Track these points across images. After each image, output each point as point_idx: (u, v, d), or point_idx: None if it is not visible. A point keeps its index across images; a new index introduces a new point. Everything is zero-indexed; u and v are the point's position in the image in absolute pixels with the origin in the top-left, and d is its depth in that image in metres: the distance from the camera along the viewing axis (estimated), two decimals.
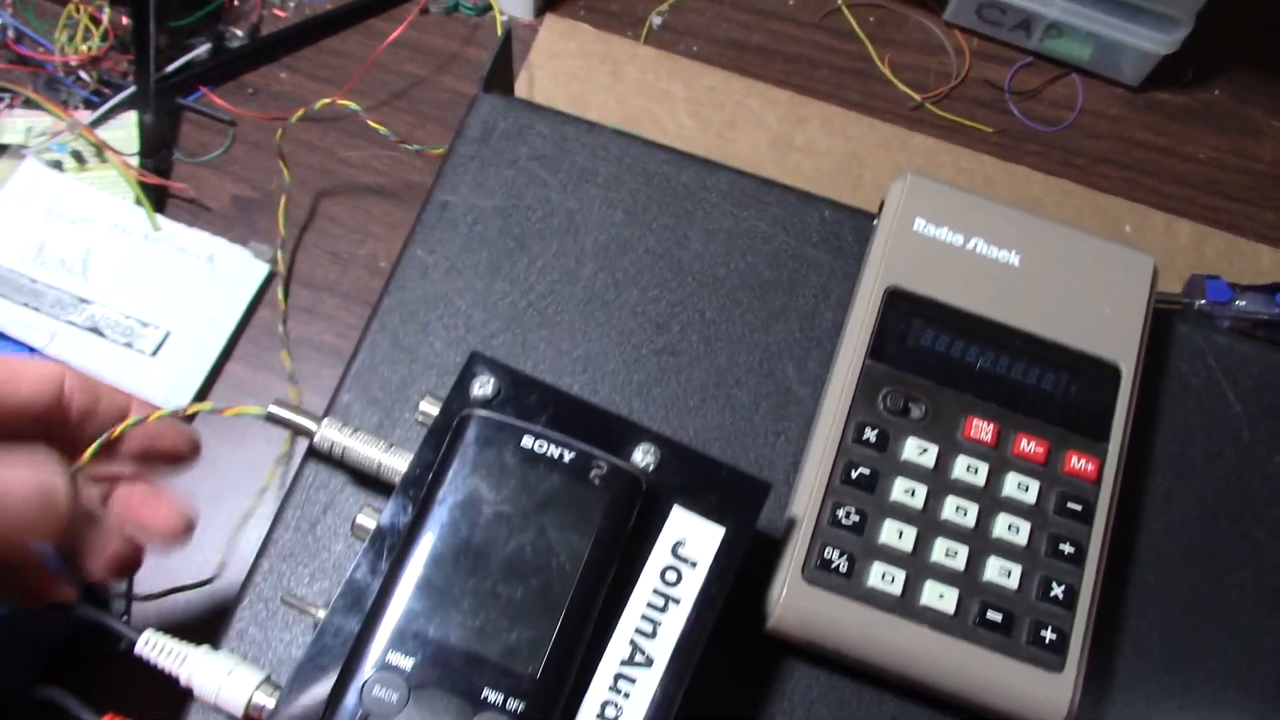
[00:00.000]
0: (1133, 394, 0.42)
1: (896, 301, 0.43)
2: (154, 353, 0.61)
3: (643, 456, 0.38)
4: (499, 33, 0.72)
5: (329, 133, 0.71)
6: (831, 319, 0.46)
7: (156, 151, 0.69)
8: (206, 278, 0.65)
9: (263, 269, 0.65)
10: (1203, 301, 0.68)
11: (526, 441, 0.36)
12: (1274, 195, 0.74)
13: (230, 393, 0.64)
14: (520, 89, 0.72)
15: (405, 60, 0.74)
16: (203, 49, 0.71)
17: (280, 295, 0.66)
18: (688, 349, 0.46)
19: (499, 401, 0.38)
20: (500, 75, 0.51)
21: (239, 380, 0.65)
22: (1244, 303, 0.68)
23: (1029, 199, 0.72)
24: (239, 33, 0.73)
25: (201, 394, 0.63)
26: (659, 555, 0.36)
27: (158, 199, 0.68)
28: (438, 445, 0.37)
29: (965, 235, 0.44)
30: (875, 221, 0.46)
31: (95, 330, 0.61)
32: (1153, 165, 0.75)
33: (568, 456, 0.36)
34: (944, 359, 0.42)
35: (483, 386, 0.38)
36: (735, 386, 0.45)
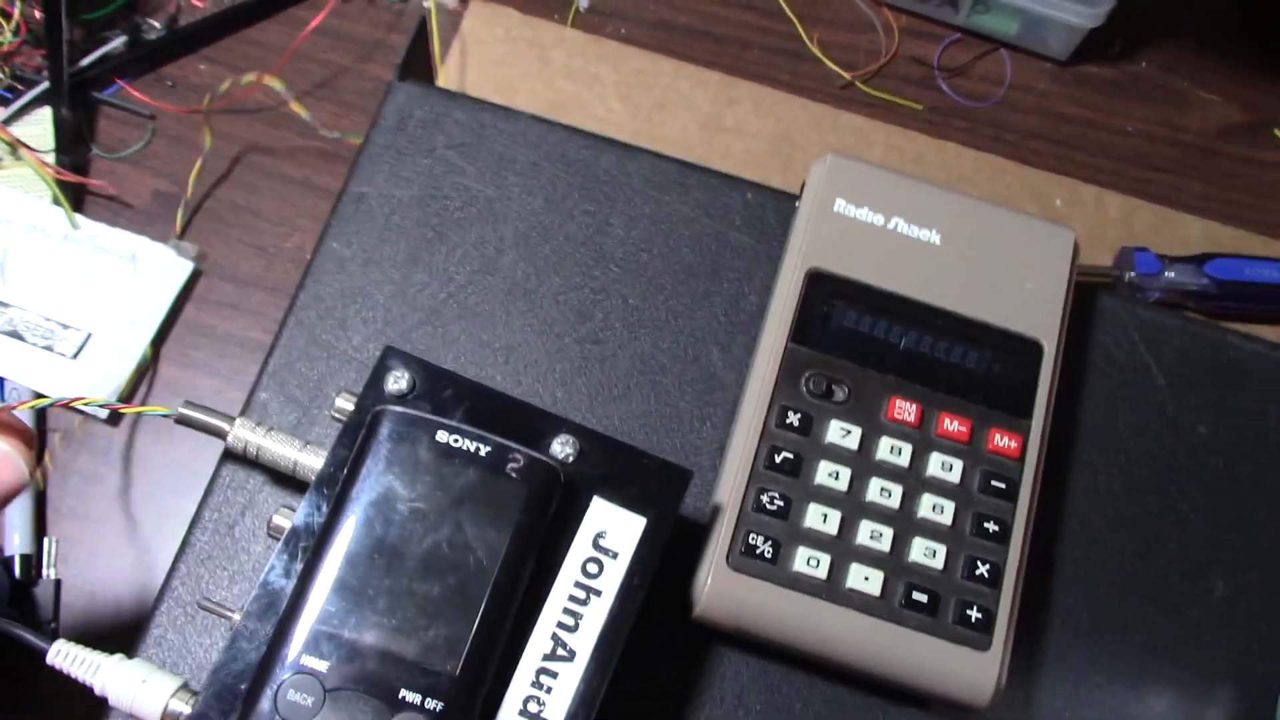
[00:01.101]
0: (1055, 370, 0.42)
1: (818, 283, 0.43)
2: (75, 355, 0.59)
3: (561, 448, 0.37)
4: (433, 12, 0.70)
5: (252, 124, 0.70)
6: (756, 302, 0.46)
7: (73, 148, 0.67)
8: (129, 277, 0.63)
9: (186, 267, 0.64)
10: (1132, 274, 0.68)
11: (441, 436, 0.35)
12: (1201, 166, 0.75)
13: (160, 393, 0.63)
14: (448, 77, 0.71)
15: (327, 48, 0.72)
16: (118, 41, 0.69)
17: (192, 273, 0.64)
18: (611, 337, 0.45)
19: (414, 396, 0.37)
20: (417, 63, 0.50)
21: (168, 380, 0.63)
22: (1173, 274, 0.69)
23: (959, 176, 0.72)
24: (156, 24, 0.71)
25: (127, 395, 0.61)
26: (580, 547, 0.36)
27: (76, 197, 0.66)
28: (352, 442, 0.36)
29: (885, 215, 0.44)
30: (797, 204, 0.46)
31: (14, 334, 0.60)
32: (1082, 139, 0.75)
33: (483, 450, 0.35)
34: (866, 340, 0.42)
35: (397, 381, 0.37)
36: (660, 373, 0.44)
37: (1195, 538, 0.44)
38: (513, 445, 0.35)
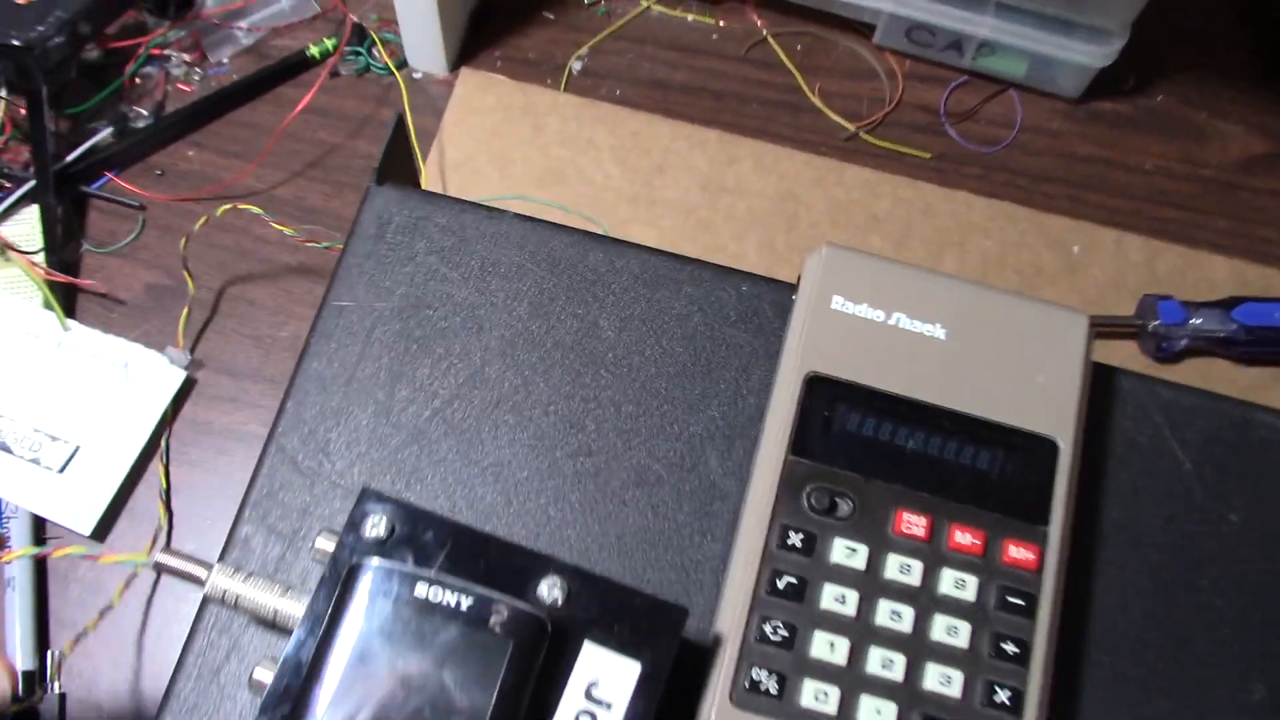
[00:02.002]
0: (1073, 470, 0.40)
1: (817, 389, 0.41)
2: (62, 469, 0.58)
3: (549, 590, 0.35)
4: (403, 95, 0.69)
5: (243, 212, 0.69)
6: (755, 403, 0.44)
7: (63, 245, 0.67)
8: (120, 386, 0.62)
9: (178, 376, 0.63)
10: (1157, 323, 0.66)
11: (420, 590, 0.34)
12: (1224, 201, 0.73)
13: (153, 495, 0.62)
14: (437, 148, 0.70)
15: (317, 127, 0.71)
16: (105, 132, 0.69)
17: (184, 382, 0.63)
18: (604, 448, 0.43)
19: (393, 542, 0.35)
20: (395, 163, 0.49)
21: (161, 483, 0.62)
22: (1199, 321, 0.66)
23: (971, 226, 0.70)
24: (143, 111, 0.70)
25: (117, 502, 0.60)
26: (571, 699, 0.34)
27: (67, 297, 0.65)
28: (330, 595, 0.35)
29: (886, 310, 0.42)
30: (794, 296, 0.44)
31: (2, 446, 0.59)
32: (1097, 179, 0.73)
33: (465, 603, 0.33)
34: (870, 447, 0.40)
35: (374, 527, 0.36)
36: (656, 485, 0.43)
37: (1231, 636, 0.42)
38: (496, 596, 0.34)
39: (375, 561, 0.34)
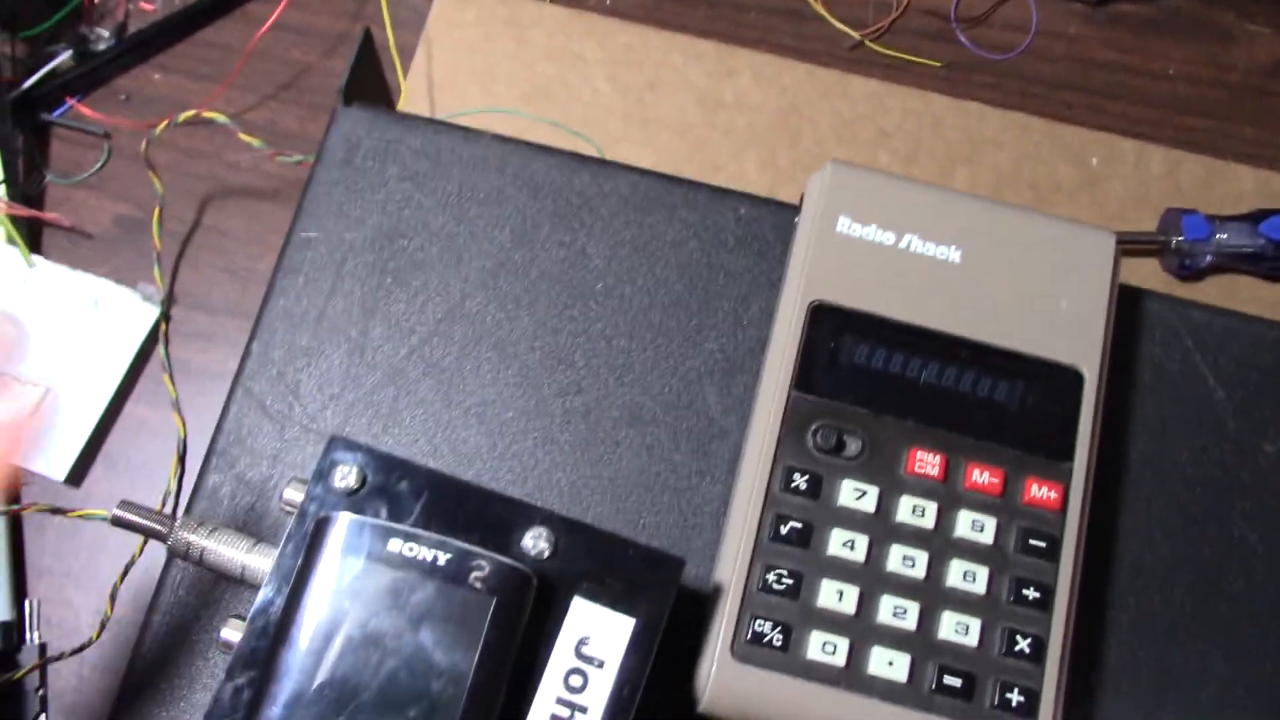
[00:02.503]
0: (1098, 401, 0.37)
1: (822, 319, 0.38)
2: (32, 413, 0.56)
3: (534, 542, 0.33)
4: (383, 8, 0.65)
5: (214, 135, 0.65)
6: (755, 334, 0.41)
7: (25, 177, 0.63)
8: (90, 325, 0.59)
9: (152, 313, 0.60)
10: (1180, 238, 0.62)
11: (394, 545, 0.31)
12: (1251, 108, 0.69)
13: (132, 437, 0.59)
14: (418, 68, 0.66)
15: (289, 45, 0.67)
16: (64, 56, 0.65)
17: (160, 320, 0.60)
18: (595, 385, 0.40)
19: (365, 493, 0.33)
20: (364, 82, 0.45)
21: (140, 421, 0.60)
22: (1225, 235, 0.63)
23: (984, 139, 0.66)
24: (105, 33, 0.66)
25: (91, 447, 0.58)
26: (560, 658, 0.32)
27: (31, 232, 0.62)
28: (298, 551, 0.32)
29: (896, 232, 0.39)
30: (796, 220, 0.41)
31: None
32: (1118, 87, 0.69)
33: (443, 559, 0.31)
34: (880, 381, 0.37)
35: (344, 477, 0.33)
36: (651, 424, 0.40)
37: (1265, 573, 0.39)
38: (476, 550, 0.31)
39: (345, 515, 0.32)
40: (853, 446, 0.36)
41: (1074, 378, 0.38)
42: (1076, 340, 0.38)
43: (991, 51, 0.68)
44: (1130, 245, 0.63)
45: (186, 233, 0.63)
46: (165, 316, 0.61)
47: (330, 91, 0.66)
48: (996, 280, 0.38)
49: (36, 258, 0.61)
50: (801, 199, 0.41)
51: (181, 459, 0.58)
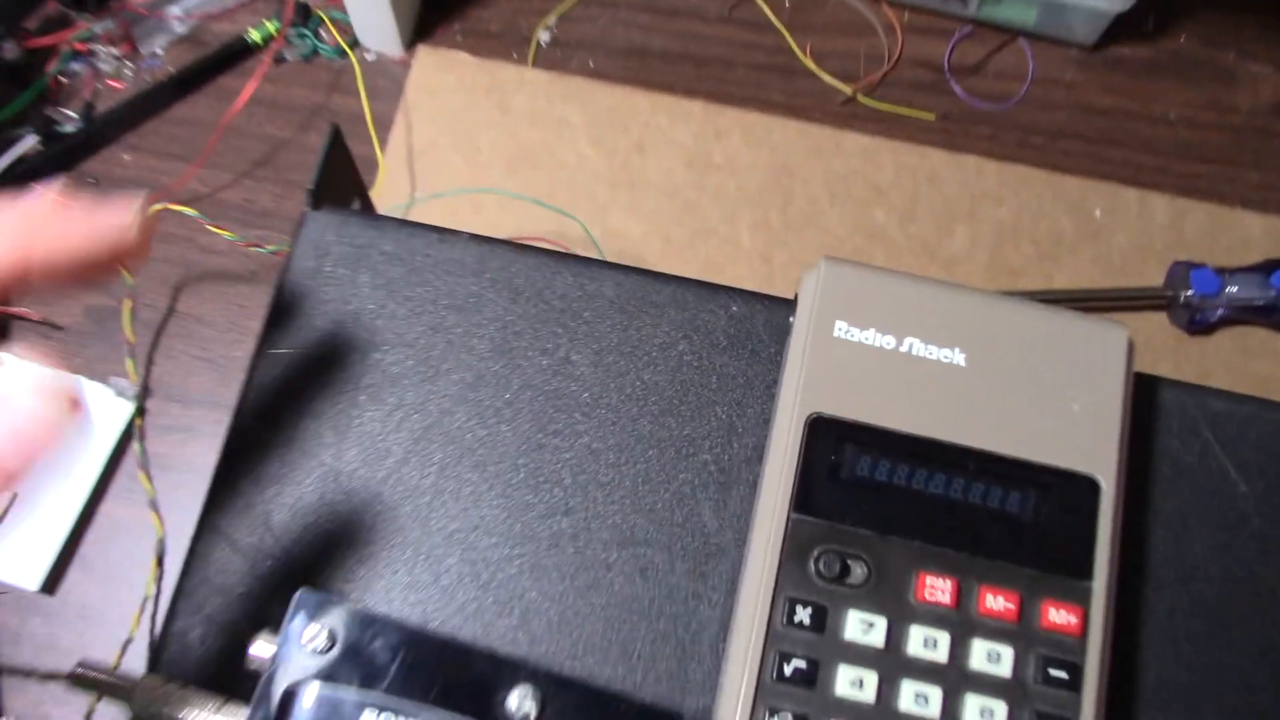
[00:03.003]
0: (1116, 511, 0.35)
1: (821, 433, 0.36)
2: None
3: (520, 703, 0.31)
4: (358, 79, 0.63)
5: (186, 219, 0.63)
6: (752, 443, 0.39)
7: None
8: None
9: (126, 408, 0.58)
10: (1189, 293, 0.60)
11: (368, 718, 0.29)
12: (1256, 150, 0.67)
13: (108, 539, 0.57)
14: (397, 138, 0.64)
15: (263, 120, 0.65)
16: (30, 140, 0.63)
17: (135, 415, 0.58)
18: (583, 504, 0.38)
19: (336, 655, 0.31)
20: (334, 180, 0.43)
21: (116, 522, 0.58)
22: (1235, 289, 0.61)
23: (983, 193, 0.64)
24: (72, 114, 0.65)
25: (66, 552, 0.56)
26: None
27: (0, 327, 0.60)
28: None
29: (897, 336, 0.37)
30: (791, 319, 0.39)
31: None
32: (1118, 133, 0.67)
33: None
34: (885, 499, 0.35)
35: (313, 638, 0.31)
36: (644, 544, 0.38)
37: None
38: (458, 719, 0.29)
39: (314, 686, 0.29)
40: (858, 572, 0.34)
41: (1090, 487, 0.36)
42: (1091, 446, 0.36)
43: (987, 102, 0.67)
44: (1136, 300, 0.61)
45: (160, 321, 0.61)
46: (140, 410, 0.59)
47: (307, 167, 0.64)
48: (1004, 383, 0.36)
49: (3, 354, 0.59)
50: (796, 297, 0.39)
51: (160, 560, 0.56)
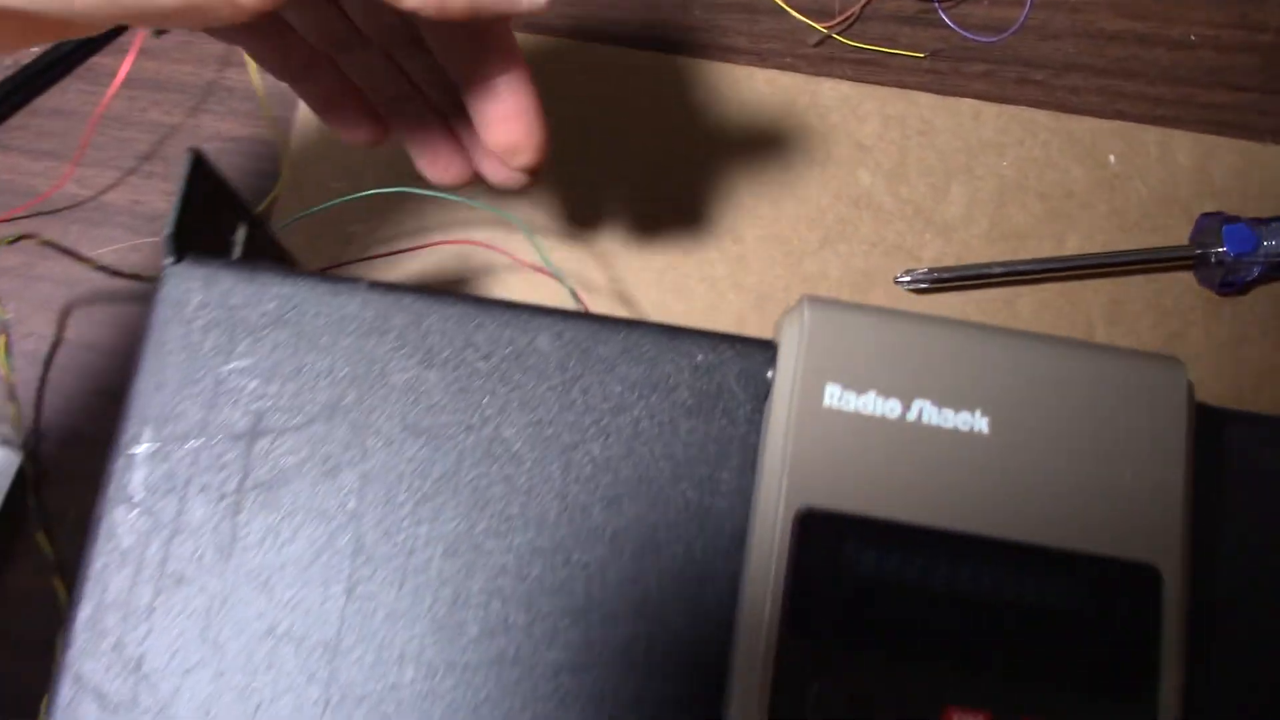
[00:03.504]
0: (1183, 609, 0.29)
1: (814, 531, 0.29)
2: None
3: None
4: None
5: (69, 227, 0.55)
6: (729, 529, 0.32)
7: None
8: None
9: (12, 460, 0.50)
10: (1220, 251, 0.53)
11: None
12: None
13: (14, 612, 0.51)
14: (305, 115, 0.56)
15: (147, 105, 0.57)
16: None
17: (23, 466, 0.51)
18: (525, 621, 0.32)
19: None
20: (205, 214, 0.35)
21: (22, 594, 0.51)
22: (1274, 242, 0.54)
23: (981, 143, 0.57)
24: None
25: None
26: None
27: None
28: None
29: (903, 399, 0.30)
30: (770, 374, 0.31)
31: None
32: (1133, 63, 0.59)
33: None
34: (897, 612, 0.29)
35: None
36: (601, 666, 0.31)
37: None
38: None
39: None
40: (868, 711, 0.28)
41: (1149, 578, 0.29)
42: (1148, 525, 0.29)
43: (982, 34, 0.58)
44: (1161, 263, 0.54)
45: (47, 352, 0.53)
46: (31, 459, 0.51)
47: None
48: (1037, 452, 0.29)
49: None
50: (774, 345, 0.32)
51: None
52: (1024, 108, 0.58)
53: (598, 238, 0.54)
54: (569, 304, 0.44)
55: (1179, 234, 0.55)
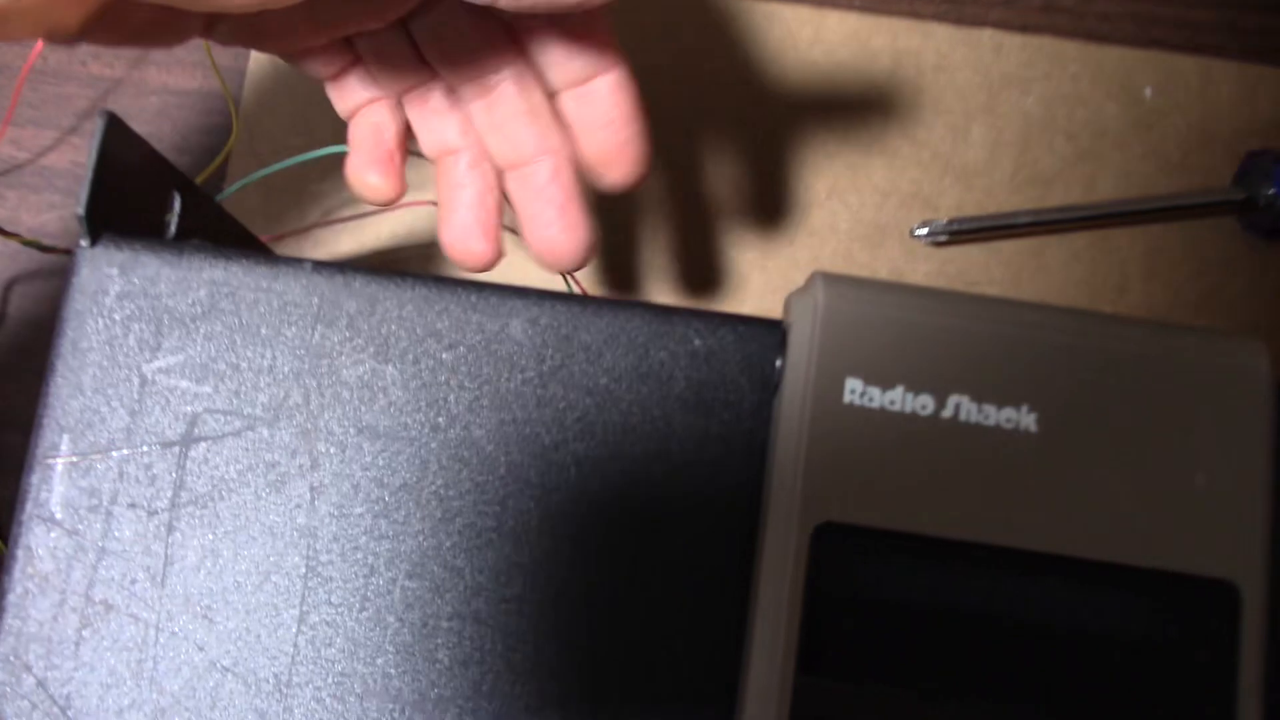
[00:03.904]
0: (1265, 630, 0.25)
1: (834, 549, 0.25)
2: None
3: None
4: None
5: (6, 193, 0.51)
6: (736, 545, 0.28)
7: None
8: None
9: None
10: (1270, 193, 0.49)
11: None
12: None
13: None
14: (259, 60, 0.51)
15: (86, 57, 0.52)
16: None
17: None
18: (502, 656, 0.28)
19: None
20: (129, 185, 0.31)
21: None
22: None
23: (1003, 78, 0.52)
24: None
25: None
26: None
27: None
28: None
29: (936, 393, 0.26)
30: (779, 362, 0.27)
31: None
32: None
33: None
34: (932, 644, 0.25)
35: None
36: (580, 700, 0.27)
37: None
38: None
39: None
40: None
41: (1227, 597, 0.25)
42: (1224, 536, 0.25)
43: None
44: (1204, 209, 0.49)
45: None
46: None
47: (149, 114, 0.51)
48: (1094, 453, 0.25)
49: None
50: (783, 326, 0.27)
51: None
52: (1050, 38, 0.53)
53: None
54: (556, 280, 0.40)
55: (1222, 175, 0.51)
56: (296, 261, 0.30)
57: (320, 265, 0.30)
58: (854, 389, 0.25)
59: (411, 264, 0.49)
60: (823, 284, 0.26)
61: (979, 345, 0.26)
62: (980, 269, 0.50)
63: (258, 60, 0.51)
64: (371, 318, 0.29)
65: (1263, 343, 0.26)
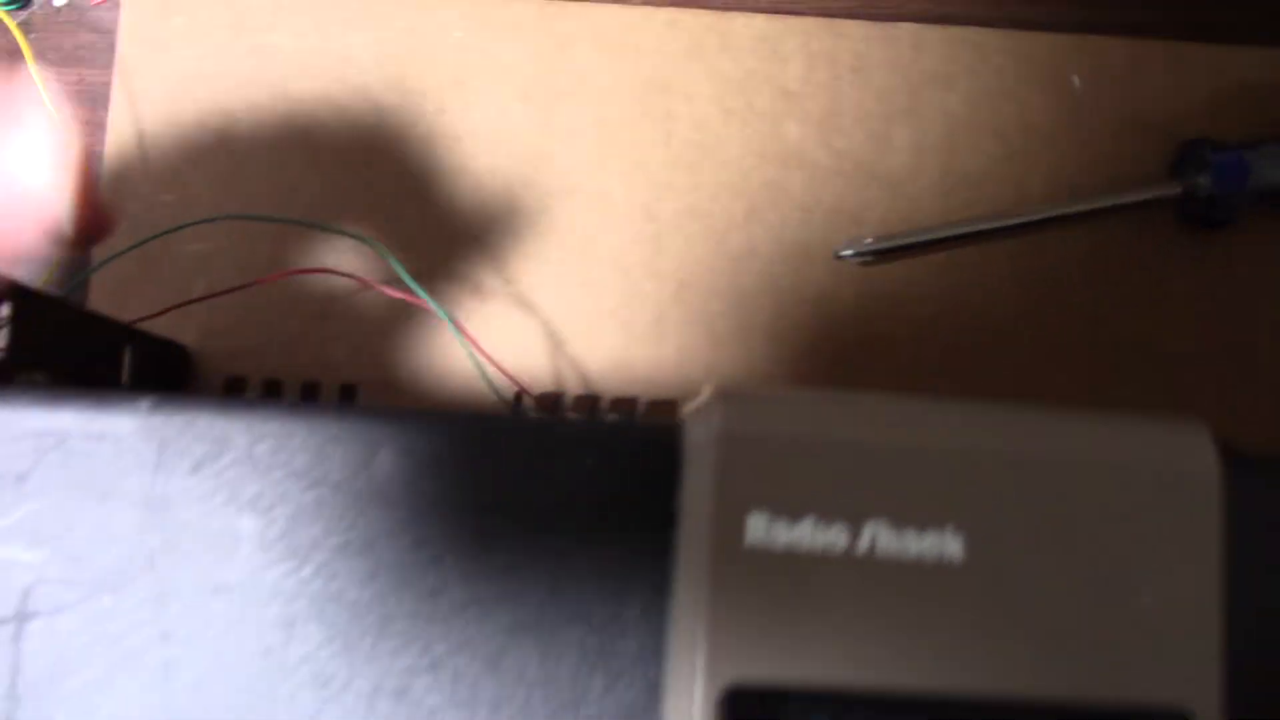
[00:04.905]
0: None
1: (745, 715, 0.22)
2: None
3: None
4: (20, 43, 0.46)
5: None
6: (637, 687, 0.25)
7: None
8: None
9: None
10: (1205, 181, 0.46)
11: None
12: None
13: None
14: (120, 112, 0.47)
15: None
16: None
17: None
18: None
19: None
20: None
21: None
22: (1266, 164, 0.47)
23: (924, 76, 0.49)
24: None
25: None
26: None
27: None
28: None
29: (850, 523, 0.23)
30: (677, 496, 0.25)
31: None
32: None
33: None
34: None
35: None
36: None
37: None
38: None
39: None
40: None
41: None
42: (1175, 659, 0.23)
43: None
44: (1140, 207, 0.47)
45: None
46: None
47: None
48: (1027, 578, 0.23)
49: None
50: (681, 441, 0.25)
51: None
52: (972, 28, 0.50)
53: (488, 232, 0.47)
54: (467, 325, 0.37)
55: (1157, 163, 0.49)
56: (132, 400, 0.27)
57: (160, 402, 0.26)
58: (757, 527, 0.23)
59: (306, 337, 0.45)
60: (721, 404, 0.24)
61: (897, 461, 0.23)
62: (913, 285, 0.48)
63: (119, 110, 0.47)
64: (219, 461, 0.26)
65: (1208, 435, 0.24)
